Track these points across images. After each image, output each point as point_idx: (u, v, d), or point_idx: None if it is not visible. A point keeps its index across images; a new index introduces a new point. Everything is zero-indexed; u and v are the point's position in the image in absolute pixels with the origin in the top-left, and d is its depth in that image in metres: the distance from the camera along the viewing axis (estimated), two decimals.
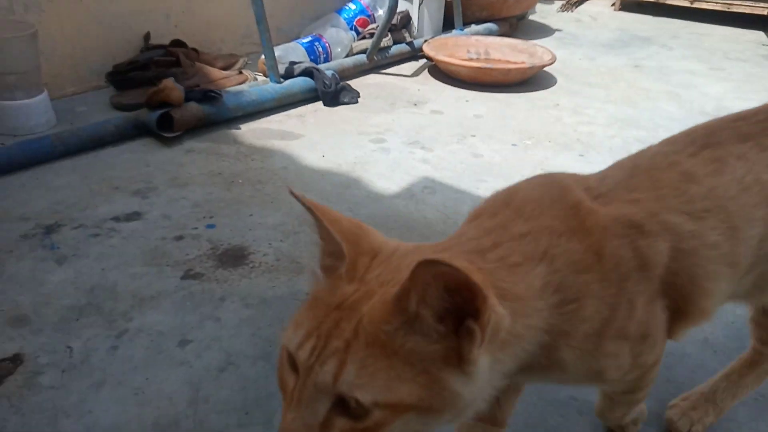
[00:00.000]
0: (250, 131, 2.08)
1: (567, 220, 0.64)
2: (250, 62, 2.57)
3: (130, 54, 2.27)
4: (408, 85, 2.63)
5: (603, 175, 0.75)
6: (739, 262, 0.71)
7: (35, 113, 1.89)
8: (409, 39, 2.87)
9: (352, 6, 2.72)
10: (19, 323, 1.15)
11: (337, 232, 0.57)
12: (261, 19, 2.08)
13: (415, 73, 2.76)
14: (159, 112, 1.84)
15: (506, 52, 2.87)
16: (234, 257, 1.40)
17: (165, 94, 1.82)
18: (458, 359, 0.51)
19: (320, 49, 2.50)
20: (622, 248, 0.64)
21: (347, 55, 2.66)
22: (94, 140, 1.80)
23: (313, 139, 2.05)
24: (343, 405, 0.51)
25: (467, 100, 2.47)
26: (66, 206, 1.55)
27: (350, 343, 0.50)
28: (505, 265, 0.59)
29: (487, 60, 2.84)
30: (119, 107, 2.11)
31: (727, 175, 0.71)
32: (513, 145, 2.07)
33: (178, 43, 2.28)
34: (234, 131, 2.06)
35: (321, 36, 2.54)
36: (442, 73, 2.71)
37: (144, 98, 1.94)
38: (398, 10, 2.60)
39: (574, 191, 0.68)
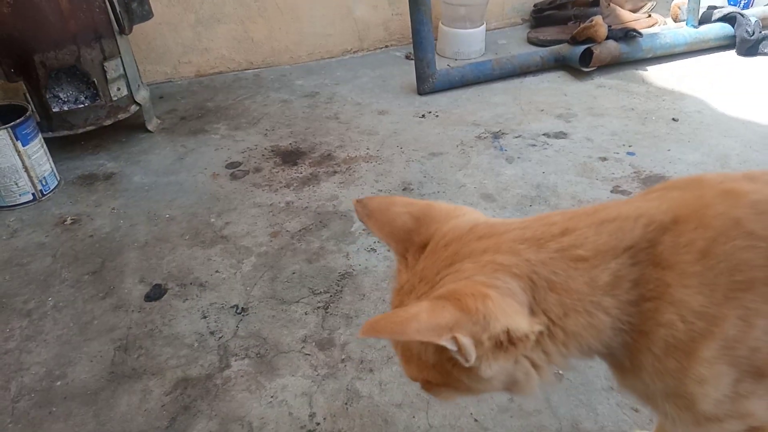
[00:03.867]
0: (656, 73, 2.11)
1: (680, 207, 0.54)
2: (656, 5, 2.55)
3: None
4: None
5: None
6: None
7: (475, 41, 2.28)
8: None
9: None
10: (488, 199, 1.50)
11: (386, 234, 0.62)
12: None
13: None
14: (583, 47, 2.02)
15: None
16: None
17: (593, 31, 1.98)
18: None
19: None
20: (750, 251, 0.51)
21: None
22: (522, 68, 2.09)
23: (726, 87, 1.98)
24: None
25: None
26: (505, 119, 1.88)
27: None
28: (565, 257, 0.54)
29: None
30: (534, 42, 2.37)
31: None
32: None
33: None
34: (641, 72, 2.12)
35: None
36: None
37: (566, 35, 2.16)
38: None
39: (720, 180, 0.57)
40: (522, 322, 0.51)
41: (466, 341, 0.49)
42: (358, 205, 0.63)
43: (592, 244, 0.54)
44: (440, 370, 0.55)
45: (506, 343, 0.51)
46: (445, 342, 0.49)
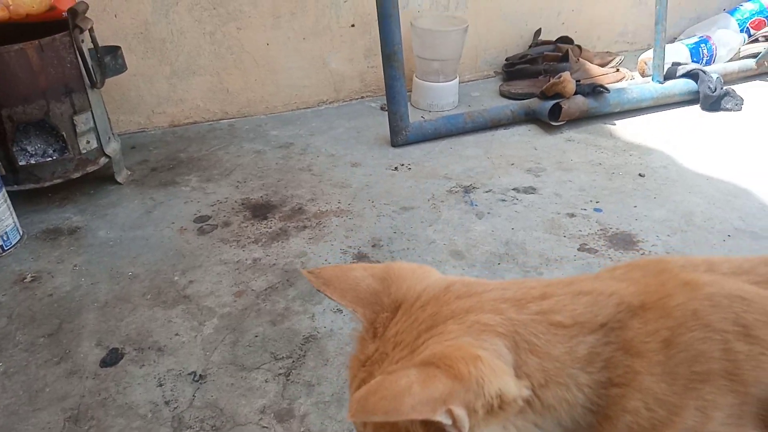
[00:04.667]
0: (624, 127, 2.16)
1: (646, 293, 0.55)
2: (624, 59, 2.64)
3: (519, 48, 2.57)
4: None
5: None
6: None
7: (448, 94, 2.32)
8: None
9: (750, 6, 2.52)
10: (457, 256, 1.50)
11: (350, 300, 0.59)
12: (661, 19, 2.12)
13: None
14: (552, 102, 2.07)
15: None
16: (624, 241, 1.53)
17: (562, 87, 2.03)
18: None
19: (706, 51, 2.42)
20: (707, 343, 0.52)
21: (732, 59, 2.50)
22: (494, 121, 2.13)
23: (690, 142, 2.04)
24: None
25: None
26: (476, 173, 1.90)
27: None
28: (545, 320, 0.53)
29: None
30: (506, 95, 2.43)
31: None
32: None
33: (565, 40, 2.48)
34: (609, 126, 2.18)
35: (709, 37, 2.44)
36: None
37: (537, 88, 2.21)
38: None
39: (681, 265, 0.58)
40: (512, 384, 0.49)
41: (460, 413, 0.45)
42: (311, 276, 0.61)
43: (570, 312, 0.54)
44: None
45: (497, 408, 0.48)
46: (441, 417, 0.44)
